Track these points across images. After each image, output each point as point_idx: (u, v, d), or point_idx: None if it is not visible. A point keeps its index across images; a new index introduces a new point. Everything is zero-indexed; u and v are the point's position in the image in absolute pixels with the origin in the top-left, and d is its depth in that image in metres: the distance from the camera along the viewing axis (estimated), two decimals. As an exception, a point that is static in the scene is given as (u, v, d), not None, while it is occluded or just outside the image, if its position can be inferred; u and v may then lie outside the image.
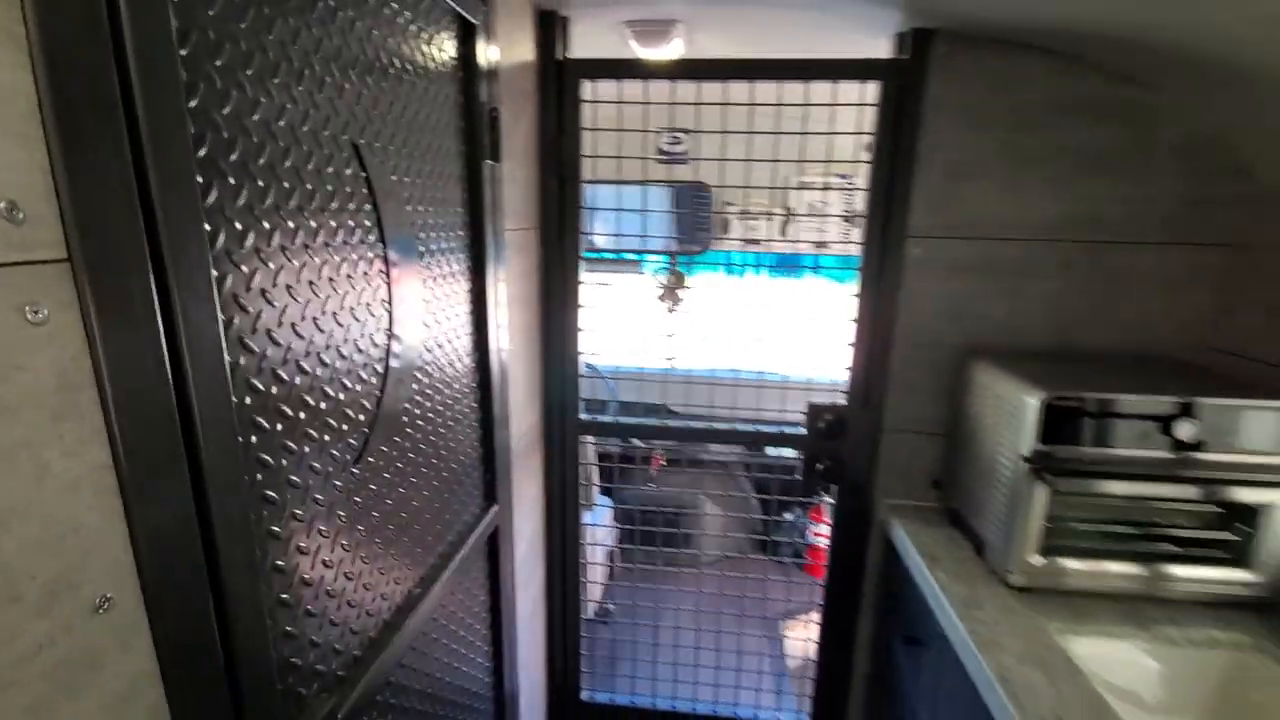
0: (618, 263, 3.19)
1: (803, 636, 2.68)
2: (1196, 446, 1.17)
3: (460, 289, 1.16)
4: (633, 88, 1.52)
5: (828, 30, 1.51)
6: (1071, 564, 1.25)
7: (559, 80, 1.49)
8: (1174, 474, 1.19)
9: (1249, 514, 1.21)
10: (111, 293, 0.47)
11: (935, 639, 1.31)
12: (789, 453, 3.09)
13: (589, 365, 2.81)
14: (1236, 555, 1.23)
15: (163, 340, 0.52)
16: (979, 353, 1.47)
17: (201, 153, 0.57)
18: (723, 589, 2.14)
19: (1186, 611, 1.22)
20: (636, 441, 3.09)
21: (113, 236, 0.47)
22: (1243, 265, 1.41)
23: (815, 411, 1.63)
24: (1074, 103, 1.37)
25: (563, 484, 1.76)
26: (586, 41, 1.57)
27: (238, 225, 0.62)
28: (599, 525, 2.61)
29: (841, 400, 1.64)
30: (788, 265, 3.47)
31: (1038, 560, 1.25)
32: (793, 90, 1.45)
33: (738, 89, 1.47)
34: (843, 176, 2.24)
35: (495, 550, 1.38)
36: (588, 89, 1.51)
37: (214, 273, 0.57)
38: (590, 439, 2.01)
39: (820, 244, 2.49)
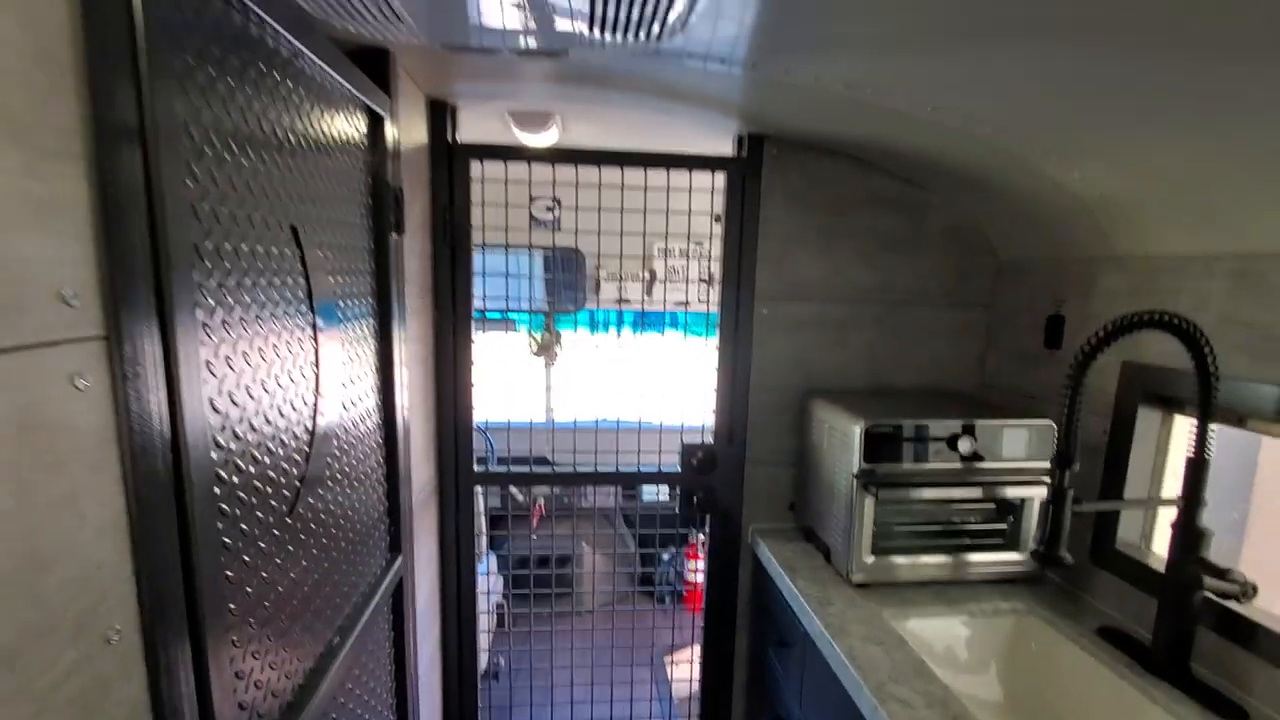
0: (499, 322, 3.30)
1: (686, 666, 2.84)
2: (976, 457, 1.52)
3: (369, 351, 1.26)
4: (516, 165, 1.71)
5: (682, 129, 1.81)
6: (897, 560, 1.55)
7: (449, 160, 1.65)
8: (962, 480, 1.53)
9: (1014, 508, 1.57)
10: (133, 362, 0.56)
11: (799, 638, 1.54)
12: (663, 497, 3.30)
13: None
14: (1009, 541, 1.59)
15: (166, 401, 0.60)
16: (817, 392, 1.79)
17: (194, 241, 0.67)
18: (609, 634, 2.26)
19: (981, 590, 1.54)
20: (516, 495, 3.16)
21: (138, 315, 0.57)
22: (994, 319, 1.86)
23: (688, 450, 1.85)
24: (872, 196, 1.77)
25: (457, 534, 1.83)
26: (474, 126, 1.74)
27: (211, 301, 0.71)
28: (485, 577, 2.64)
29: (710, 440, 1.88)
30: (653, 323, 3.77)
31: (871, 559, 1.53)
32: (654, 172, 1.72)
33: (607, 170, 1.72)
34: (698, 244, 2.56)
35: (400, 602, 1.43)
36: (475, 168, 1.68)
37: (195, 343, 0.66)
38: (479, 490, 2.08)
39: (681, 303, 2.79)
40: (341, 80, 1.08)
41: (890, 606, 1.47)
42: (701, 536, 1.98)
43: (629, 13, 0.96)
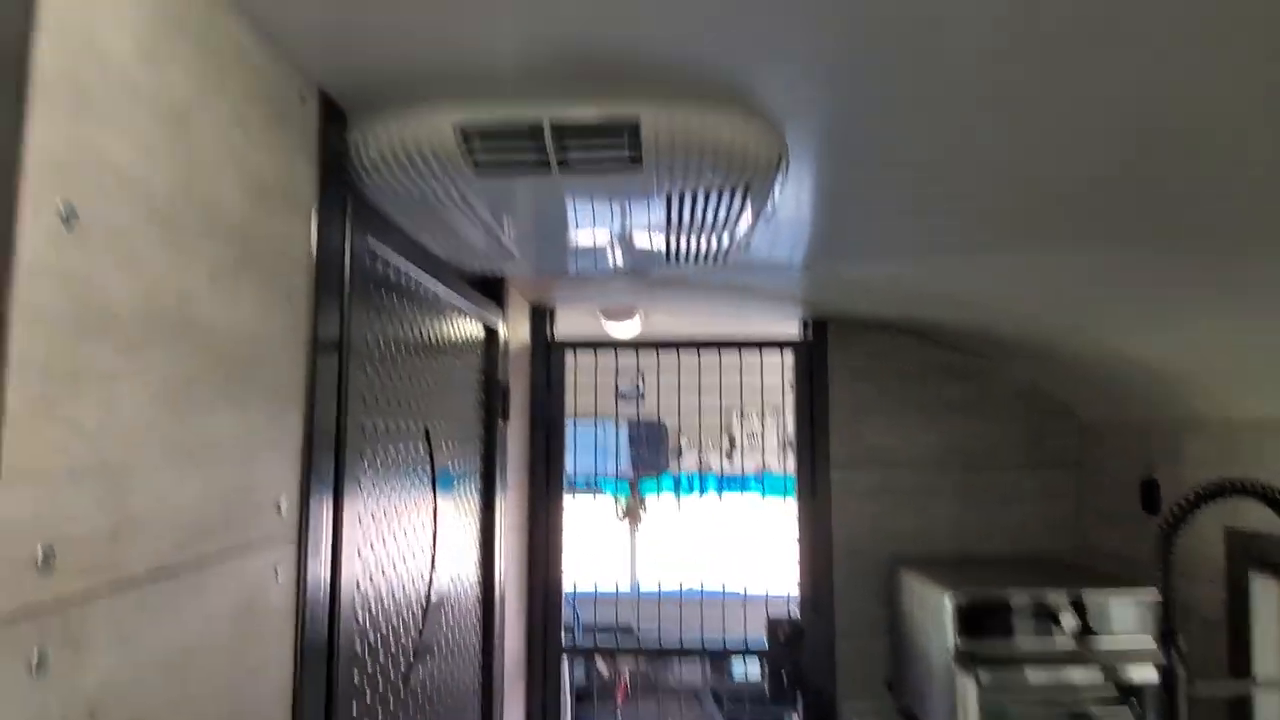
0: (586, 489, 3.46)
1: None
2: (1086, 631, 1.43)
3: (475, 524, 1.41)
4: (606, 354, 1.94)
5: (752, 315, 2.01)
6: (1010, 752, 1.42)
7: (548, 355, 1.90)
8: (1075, 658, 1.43)
9: (1137, 691, 1.44)
10: (313, 557, 0.72)
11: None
12: (754, 674, 3.12)
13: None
14: (1140, 731, 1.43)
15: (329, 582, 0.75)
16: (902, 560, 1.76)
17: (362, 444, 0.86)
18: None
19: (1115, 791, 1.38)
20: (602, 669, 3.08)
21: (320, 517, 0.74)
22: (1083, 481, 1.81)
23: (774, 624, 1.83)
24: (935, 366, 1.86)
25: (544, 709, 1.83)
26: (569, 319, 2.02)
27: (365, 492, 0.88)
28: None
29: (795, 612, 1.85)
30: (734, 485, 3.80)
31: (981, 750, 1.42)
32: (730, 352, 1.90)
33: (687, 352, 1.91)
34: (773, 412, 2.67)
35: (489, 781, 1.44)
36: (570, 360, 1.92)
37: (351, 534, 0.83)
38: (565, 662, 2.09)
39: (760, 467, 2.85)
40: (465, 301, 1.35)
41: (1009, 809, 1.33)
42: (795, 718, 1.88)
43: (698, 250, 1.18)
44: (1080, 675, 1.43)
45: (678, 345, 1.90)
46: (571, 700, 2.82)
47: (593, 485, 3.49)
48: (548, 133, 0.79)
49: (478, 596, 1.42)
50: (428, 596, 1.11)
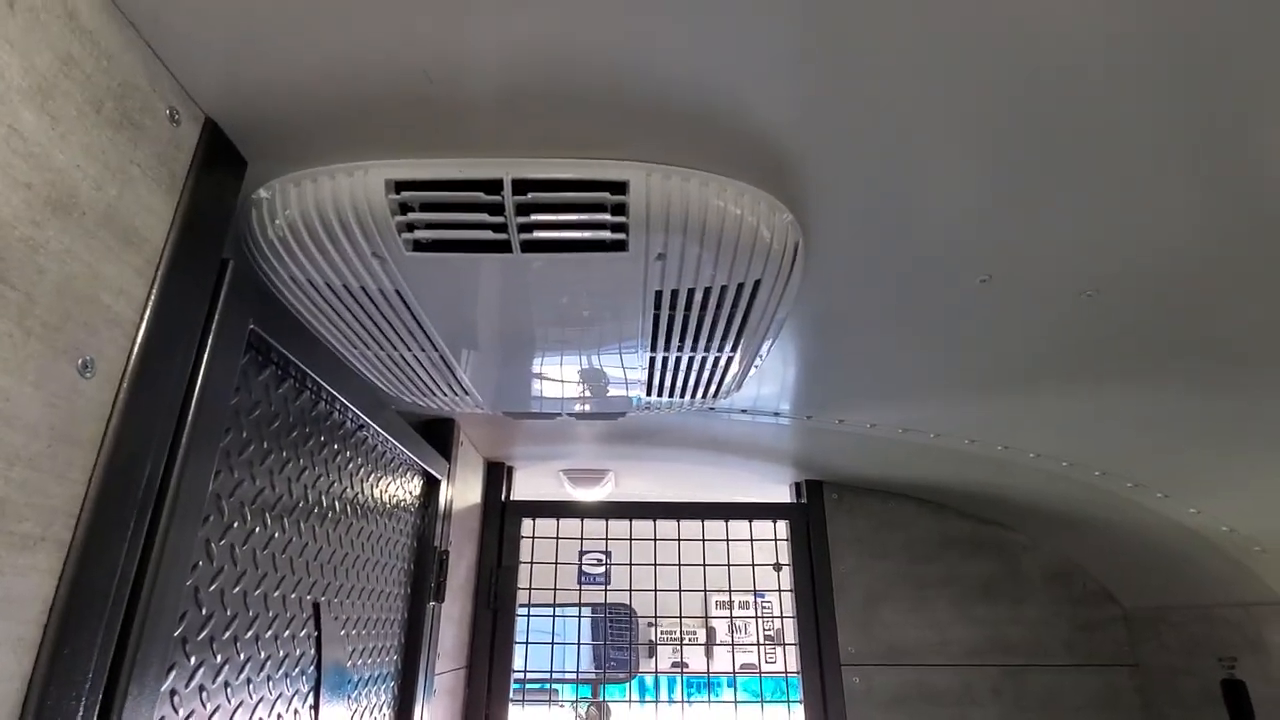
0: (540, 693, 2.88)
1: None
2: None
3: (381, 751, 1.02)
4: (568, 521, 1.64)
5: (736, 478, 1.77)
6: None
7: (502, 518, 1.60)
8: None
9: None
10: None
11: None
12: None
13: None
14: None
15: None
16: (945, 797, 1.36)
17: (177, 633, 0.56)
18: None
19: None
20: None
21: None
22: (1146, 684, 1.49)
23: None
24: (952, 539, 1.60)
25: None
26: (529, 484, 1.74)
27: (181, 709, 0.57)
28: None
29: None
30: (718, 687, 3.25)
31: None
32: (713, 524, 1.62)
33: (664, 522, 1.63)
34: (762, 596, 2.32)
35: None
36: (527, 526, 1.62)
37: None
38: None
39: (748, 666, 2.41)
40: (403, 449, 1.10)
41: None
42: None
43: (687, 379, 0.99)
44: None
45: (652, 511, 1.62)
46: None
47: (548, 688, 2.91)
48: (508, 194, 0.61)
49: None
50: None
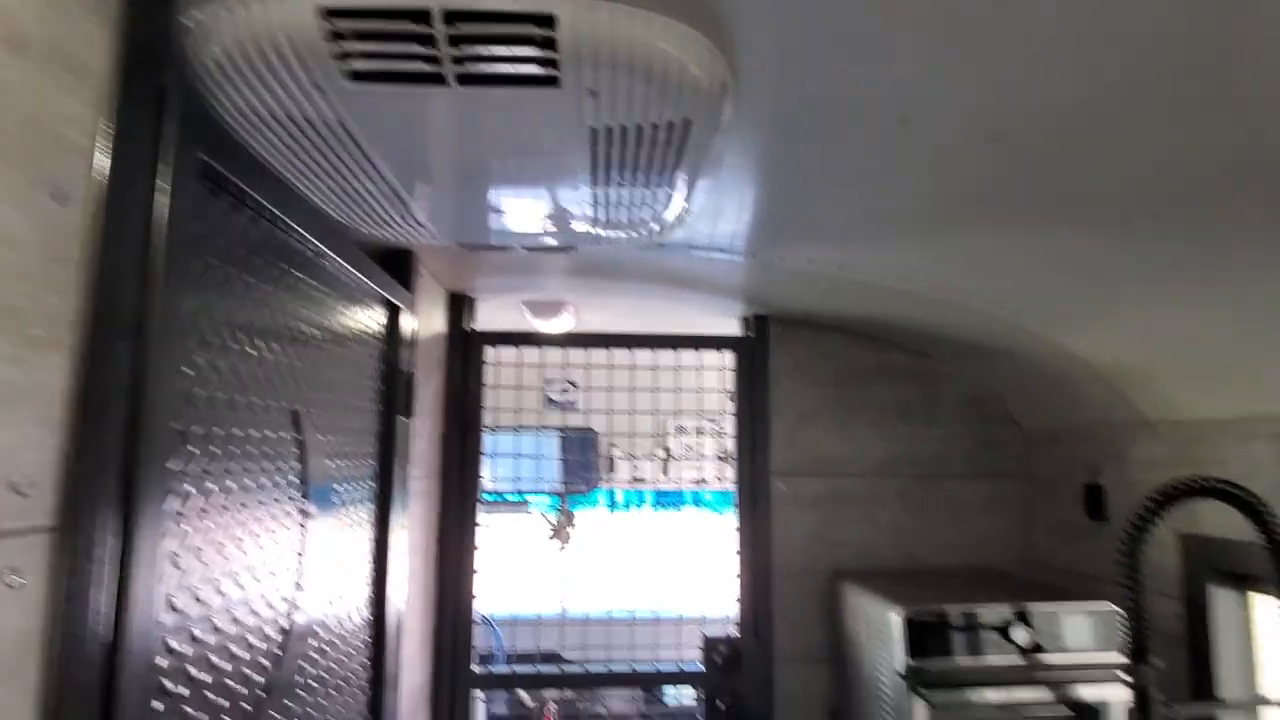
0: (508, 504, 3.21)
1: None
2: (1037, 649, 1.34)
3: (365, 538, 1.20)
4: (531, 350, 1.76)
5: (691, 312, 1.88)
6: (963, 783, 1.30)
7: (465, 347, 1.71)
8: (1026, 677, 1.33)
9: (1091, 711, 1.35)
10: (84, 555, 0.52)
11: None
12: (689, 700, 2.95)
13: (484, 618, 2.68)
14: (1096, 756, 1.34)
15: (113, 601, 0.55)
16: (846, 575, 1.64)
17: (181, 428, 0.66)
18: None
19: (1071, 823, 1.28)
20: (525, 698, 2.84)
21: (98, 505, 0.54)
22: (1030, 491, 1.75)
23: (710, 645, 1.67)
24: (881, 368, 1.77)
25: (451, 754, 1.60)
26: (491, 315, 1.83)
27: (189, 488, 0.68)
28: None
29: (734, 632, 1.70)
30: (671, 500, 3.65)
31: (933, 783, 1.29)
32: (665, 352, 1.75)
33: (620, 352, 1.76)
34: (712, 422, 2.55)
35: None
36: (490, 354, 1.73)
37: (161, 535, 0.62)
38: (480, 695, 1.87)
39: (698, 481, 2.71)
40: (363, 278, 1.15)
41: None
42: (732, 753, 1.71)
43: (630, 215, 1.03)
44: (1033, 694, 1.33)
45: (609, 341, 1.74)
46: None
47: (519, 500, 3.26)
48: (438, 23, 0.62)
49: (367, 622, 1.21)
50: (289, 622, 0.90)
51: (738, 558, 1.71)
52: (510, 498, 3.21)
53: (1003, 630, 1.34)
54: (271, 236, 0.89)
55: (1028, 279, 1.15)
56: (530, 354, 1.77)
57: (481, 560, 1.69)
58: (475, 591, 1.67)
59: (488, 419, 1.74)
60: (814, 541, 1.71)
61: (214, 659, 0.73)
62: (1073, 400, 1.56)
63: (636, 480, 2.75)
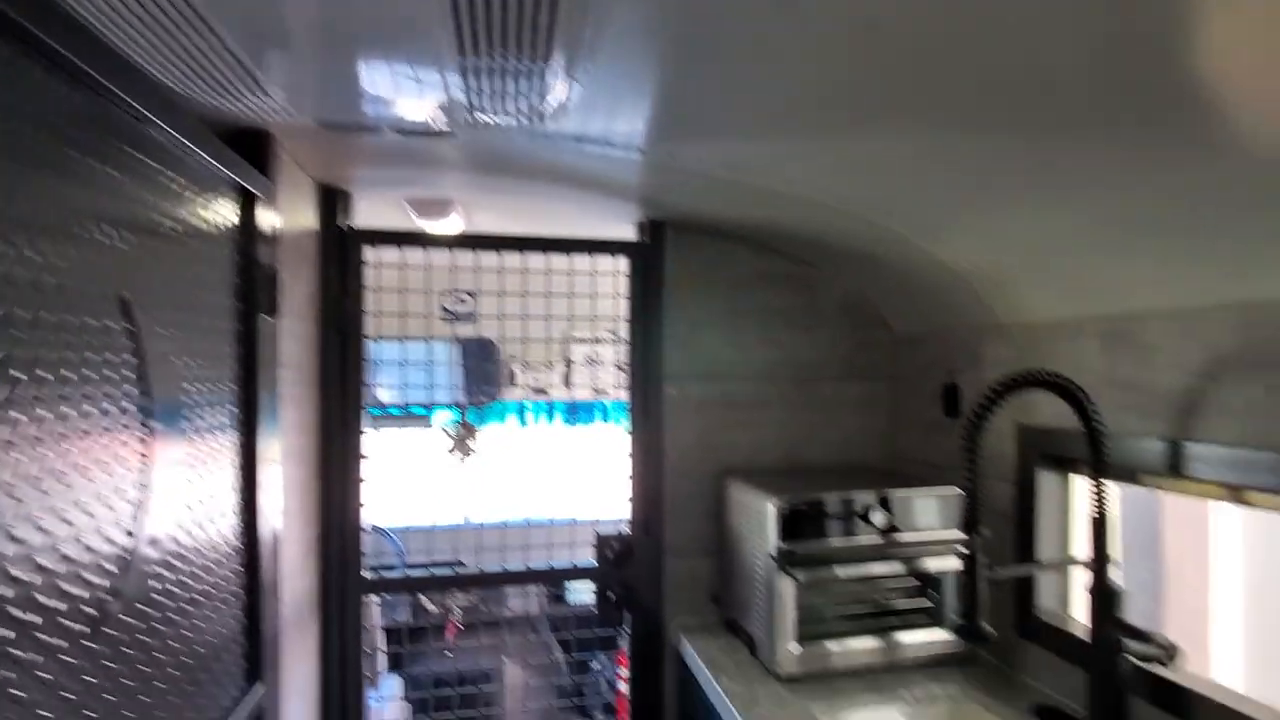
0: (406, 418, 3.14)
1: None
2: (892, 530, 1.48)
3: (229, 444, 1.13)
4: (417, 252, 1.67)
5: (587, 215, 1.83)
6: (824, 647, 1.45)
7: (341, 246, 1.59)
8: (881, 554, 1.48)
9: (935, 582, 1.53)
10: None
11: (726, 745, 1.40)
12: (588, 599, 3.10)
13: (375, 527, 2.65)
14: (934, 618, 1.53)
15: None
16: (731, 473, 1.74)
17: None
18: None
19: (913, 675, 1.46)
20: (429, 606, 2.89)
21: None
22: (896, 392, 1.89)
23: (603, 541, 1.74)
24: (769, 276, 1.82)
25: (343, 654, 1.61)
26: (371, 211, 1.71)
27: (-17, 377, 0.60)
28: (388, 703, 2.34)
29: (626, 530, 1.77)
30: (581, 414, 3.69)
31: (796, 648, 1.43)
32: (560, 259, 1.71)
33: (512, 257, 1.70)
34: (611, 331, 2.55)
35: (259, 741, 1.21)
36: (370, 254, 1.63)
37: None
38: (375, 600, 1.88)
39: (600, 391, 2.74)
40: (209, 159, 1.03)
41: (820, 700, 1.36)
42: (624, 637, 1.82)
43: (507, 101, 0.97)
44: (886, 568, 1.48)
45: (501, 244, 1.67)
46: (384, 641, 2.61)
47: (419, 414, 3.19)
48: None
49: (236, 531, 1.16)
50: (130, 538, 0.84)
51: (631, 461, 1.76)
52: (409, 411, 3.14)
53: (864, 515, 1.46)
54: (94, 105, 0.77)
55: (900, 185, 1.18)
56: (420, 260, 1.68)
57: (371, 470, 1.65)
58: (363, 500, 1.64)
59: (376, 326, 1.66)
60: (703, 443, 1.79)
61: (41, 598, 0.67)
62: (938, 305, 1.66)
63: (538, 392, 2.75)
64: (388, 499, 1.90)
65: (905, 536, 1.48)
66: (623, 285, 1.76)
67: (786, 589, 1.42)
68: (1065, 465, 1.40)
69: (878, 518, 1.46)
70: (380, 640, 2.60)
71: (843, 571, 1.46)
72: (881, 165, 1.12)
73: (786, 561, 1.43)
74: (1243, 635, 1.65)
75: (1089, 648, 1.18)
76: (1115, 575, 1.17)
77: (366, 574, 1.64)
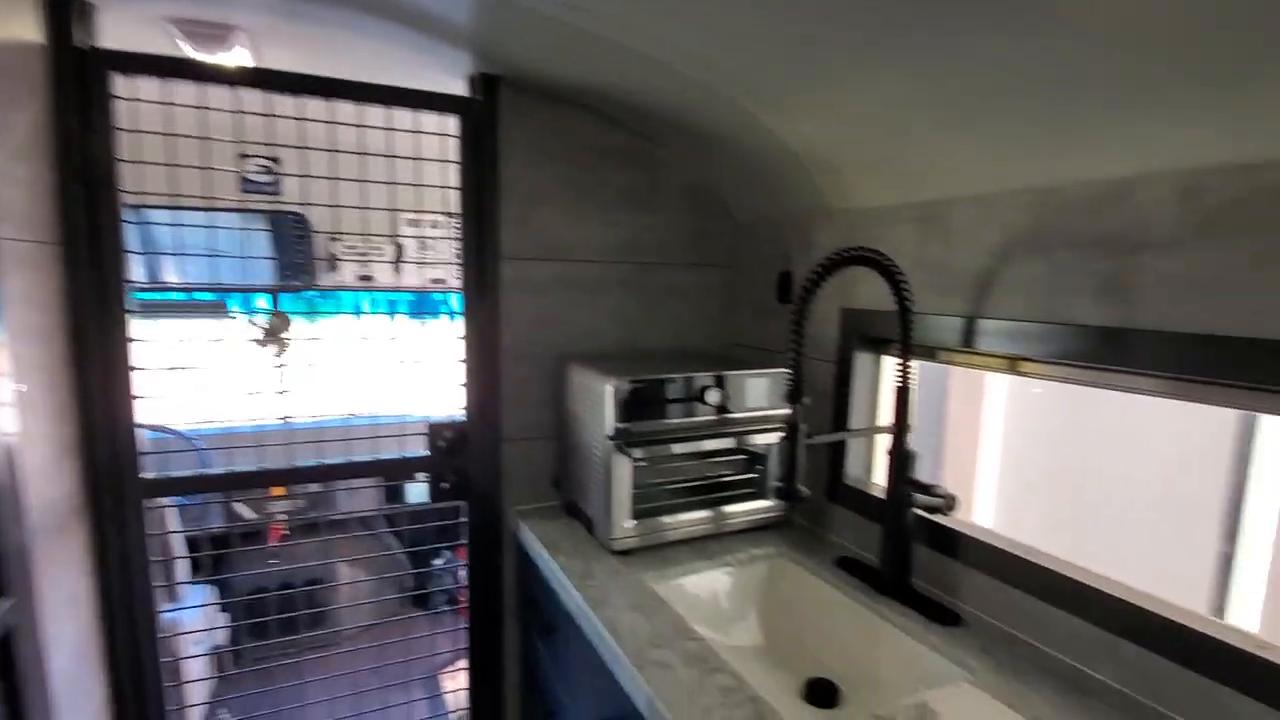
0: (202, 305, 2.72)
1: (466, 676, 2.60)
2: (724, 409, 1.53)
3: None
4: (196, 97, 1.36)
5: (407, 64, 1.59)
6: (658, 521, 1.50)
7: (80, 71, 1.25)
8: (714, 431, 1.53)
9: (761, 457, 1.62)
10: None
11: (564, 620, 1.43)
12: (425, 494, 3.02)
13: (165, 428, 2.32)
14: (759, 490, 1.64)
15: None
16: (571, 357, 1.69)
17: None
18: (376, 659, 1.96)
19: (736, 541, 1.56)
20: (245, 513, 2.65)
21: None
22: (734, 280, 1.93)
23: (435, 430, 1.64)
24: (613, 151, 1.72)
25: (125, 564, 1.41)
26: (126, 35, 1.35)
27: None
28: (195, 614, 2.14)
29: (461, 417, 1.68)
30: (422, 307, 3.44)
31: (631, 524, 1.47)
32: (377, 114, 1.48)
33: (319, 108, 1.44)
34: (447, 215, 2.34)
35: (12, 663, 1.03)
36: (124, 86, 1.30)
37: None
38: (169, 504, 1.66)
39: (437, 281, 2.54)
40: None
41: (652, 570, 1.41)
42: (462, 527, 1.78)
43: None
44: (717, 444, 1.54)
45: (301, 85, 1.40)
46: (186, 549, 2.37)
47: (215, 300, 2.78)
48: None
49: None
50: None
51: (465, 344, 1.65)
52: (206, 297, 2.73)
53: (699, 395, 1.49)
54: None
55: (739, 43, 1.12)
56: (197, 103, 1.36)
57: (150, 360, 1.40)
58: (137, 393, 1.39)
59: (139, 183, 1.35)
60: (542, 327, 1.72)
61: None
62: (777, 192, 1.68)
63: (364, 279, 2.50)
64: (183, 396, 1.64)
65: (737, 415, 1.54)
66: (453, 151, 1.57)
67: (623, 468, 1.43)
68: (879, 345, 1.52)
69: (712, 396, 1.49)
70: (180, 547, 2.34)
71: (678, 449, 1.50)
72: (717, 20, 1.04)
73: (623, 441, 1.43)
74: (996, 485, 1.97)
75: (885, 504, 1.31)
76: (911, 440, 1.30)
77: (148, 475, 1.42)
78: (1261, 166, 0.84)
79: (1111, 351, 1.01)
